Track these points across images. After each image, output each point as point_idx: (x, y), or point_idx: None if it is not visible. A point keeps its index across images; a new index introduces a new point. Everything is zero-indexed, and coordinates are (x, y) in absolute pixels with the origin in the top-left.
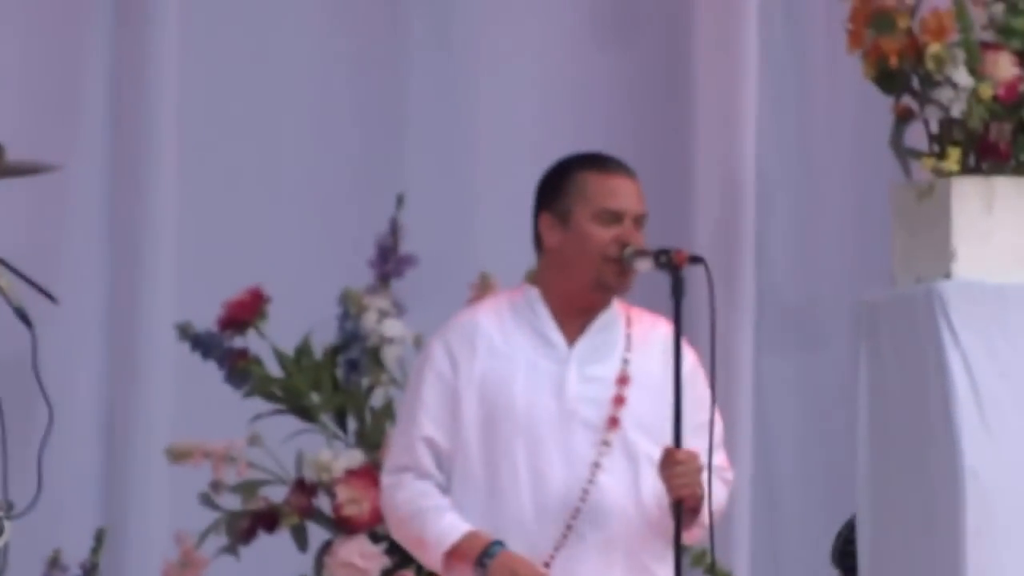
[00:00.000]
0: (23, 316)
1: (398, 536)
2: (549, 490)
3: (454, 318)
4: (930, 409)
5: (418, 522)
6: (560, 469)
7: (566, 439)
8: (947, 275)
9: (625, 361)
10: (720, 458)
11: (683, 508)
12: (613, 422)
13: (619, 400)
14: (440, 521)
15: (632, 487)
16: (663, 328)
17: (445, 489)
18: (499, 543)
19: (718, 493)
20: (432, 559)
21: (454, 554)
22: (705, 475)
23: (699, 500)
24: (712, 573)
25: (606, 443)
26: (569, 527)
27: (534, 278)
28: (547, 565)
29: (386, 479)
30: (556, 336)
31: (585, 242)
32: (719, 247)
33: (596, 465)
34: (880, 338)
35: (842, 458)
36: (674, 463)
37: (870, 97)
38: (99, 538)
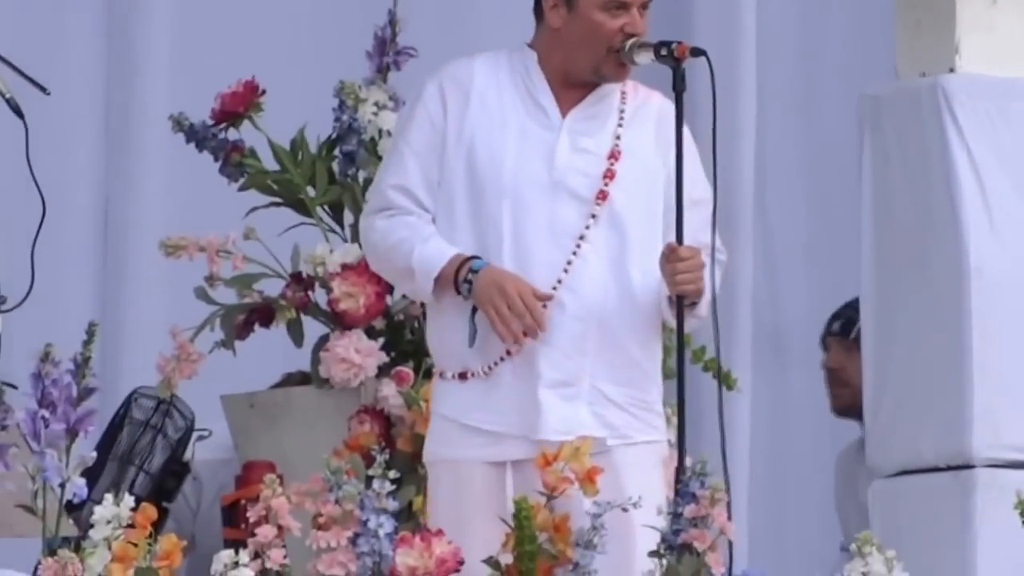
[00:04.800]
0: (15, 107)
1: (381, 267)
2: (533, 257)
3: (451, 62)
4: (934, 205)
5: (404, 250)
6: (545, 237)
7: (552, 208)
8: (951, 69)
9: (617, 137)
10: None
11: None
12: (602, 196)
13: (609, 175)
14: (426, 248)
15: (617, 262)
16: (656, 100)
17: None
18: (478, 258)
19: (716, 281)
20: (421, 286)
21: (441, 278)
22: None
23: (700, 295)
24: (717, 371)
25: (593, 216)
26: (549, 298)
27: (533, 43)
28: (524, 332)
29: (364, 221)
30: (549, 103)
31: (591, 30)
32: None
33: (581, 237)
34: (884, 132)
35: None
36: (677, 259)
37: None
38: (90, 332)
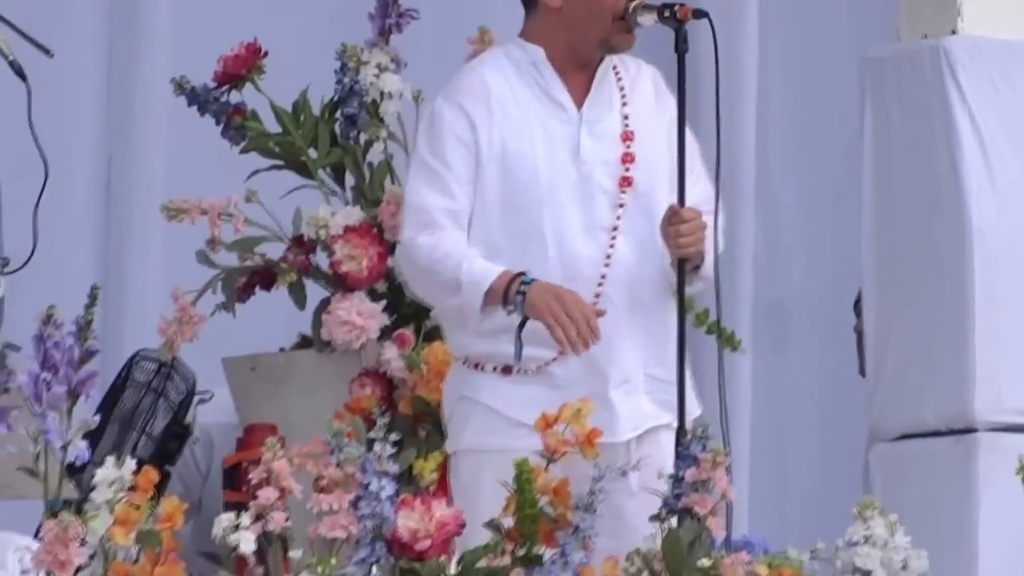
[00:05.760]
0: (17, 69)
1: (422, 284)
2: (576, 258)
3: (460, 77)
4: (936, 168)
5: (450, 264)
6: (583, 235)
7: (586, 204)
8: (953, 31)
9: (625, 116)
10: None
11: (686, 266)
12: (626, 182)
13: (628, 158)
14: (474, 264)
15: (647, 244)
16: (645, 68)
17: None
18: (526, 273)
19: (719, 240)
20: (469, 298)
21: (491, 292)
22: (709, 231)
23: (702, 257)
24: (716, 332)
25: (621, 205)
26: (597, 295)
27: (527, 34)
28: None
29: (405, 238)
30: (565, 98)
31: (593, 2)
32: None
33: (615, 228)
34: (885, 95)
35: None
36: (680, 221)
37: None
38: (93, 295)
